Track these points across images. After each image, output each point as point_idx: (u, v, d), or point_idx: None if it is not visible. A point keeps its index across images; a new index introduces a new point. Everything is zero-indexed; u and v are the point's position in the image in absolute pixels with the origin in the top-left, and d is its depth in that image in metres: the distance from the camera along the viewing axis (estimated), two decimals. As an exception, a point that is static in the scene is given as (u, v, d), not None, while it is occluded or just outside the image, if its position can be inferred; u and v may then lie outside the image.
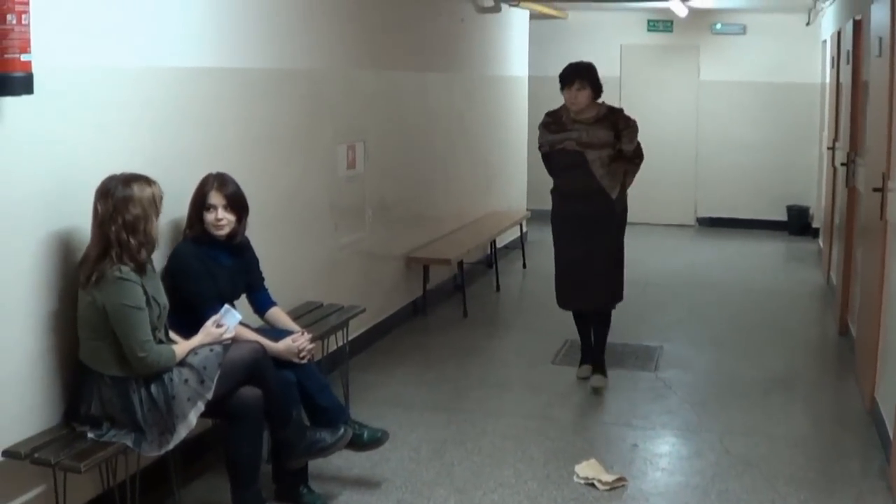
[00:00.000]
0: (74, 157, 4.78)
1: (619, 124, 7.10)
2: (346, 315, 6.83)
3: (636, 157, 7.25)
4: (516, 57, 12.92)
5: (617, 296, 7.47)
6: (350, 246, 7.91)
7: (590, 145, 7.02)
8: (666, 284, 11.16)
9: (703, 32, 14.90)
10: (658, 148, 14.88)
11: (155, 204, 4.70)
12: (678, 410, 6.91)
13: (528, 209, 12.85)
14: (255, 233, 5.90)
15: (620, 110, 7.25)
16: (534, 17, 13.59)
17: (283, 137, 6.84)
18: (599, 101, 7.17)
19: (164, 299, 4.82)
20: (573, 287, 7.32)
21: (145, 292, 4.63)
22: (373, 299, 8.30)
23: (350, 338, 7.03)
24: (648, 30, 15.08)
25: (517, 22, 12.83)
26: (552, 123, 7.21)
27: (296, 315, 6.59)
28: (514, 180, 12.97)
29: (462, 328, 9.13)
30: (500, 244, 11.42)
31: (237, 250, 5.49)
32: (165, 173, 5.02)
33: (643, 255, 12.83)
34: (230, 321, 5.08)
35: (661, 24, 14.99)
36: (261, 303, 5.76)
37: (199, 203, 5.29)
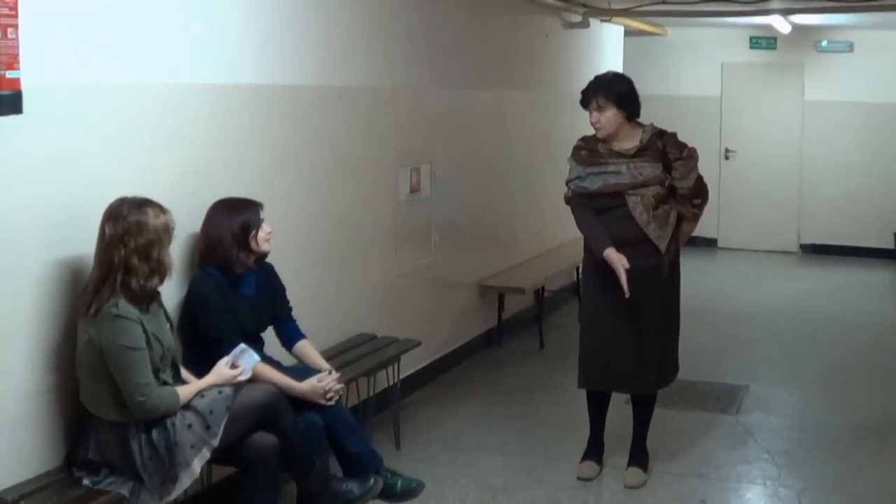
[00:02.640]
0: (85, 180, 4.44)
1: (670, 153, 5.72)
2: (399, 349, 6.43)
3: (695, 196, 5.84)
4: (608, 75, 12.29)
5: (667, 375, 6.06)
6: (413, 273, 7.50)
7: (632, 185, 5.65)
8: (760, 316, 10.49)
9: (808, 50, 14.19)
10: (760, 170, 14.48)
11: (168, 232, 4.36)
12: (756, 460, 6.35)
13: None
14: (306, 259, 5.55)
15: (673, 135, 5.80)
16: (630, 33, 13.08)
17: (339, 159, 6.46)
18: (643, 123, 5.84)
19: (168, 339, 4.45)
20: (606, 362, 5.84)
21: (145, 330, 4.26)
22: (438, 330, 7.90)
23: (409, 372, 6.62)
24: (751, 47, 14.39)
25: (610, 38, 12.33)
26: (584, 151, 5.83)
27: (343, 348, 6.22)
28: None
29: (537, 361, 8.64)
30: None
31: (263, 277, 5.11)
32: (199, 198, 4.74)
33: (738, 283, 12.31)
34: (247, 362, 4.68)
35: (765, 41, 14.30)
36: (288, 335, 5.38)
37: (243, 226, 4.90)
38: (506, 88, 9.22)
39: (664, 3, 10.44)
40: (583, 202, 5.85)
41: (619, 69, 12.54)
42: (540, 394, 7.64)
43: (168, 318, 4.56)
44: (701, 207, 5.91)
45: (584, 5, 10.76)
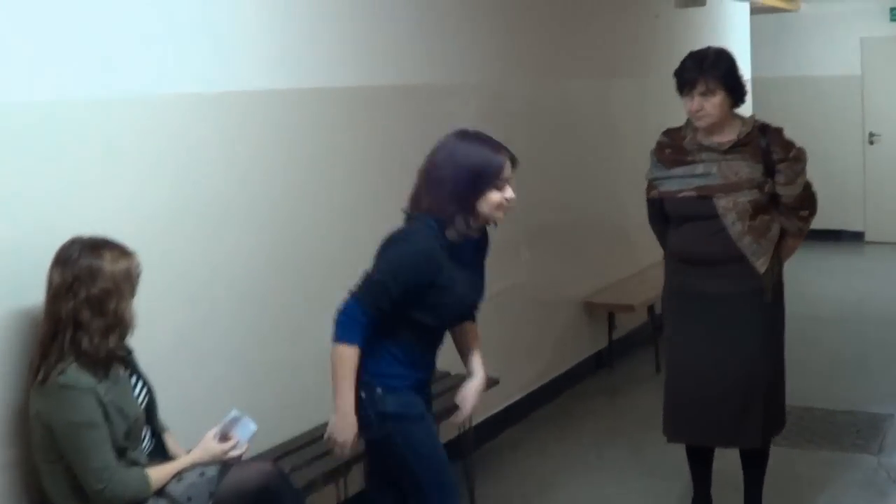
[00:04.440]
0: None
1: (774, 153, 4.70)
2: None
3: (802, 206, 4.80)
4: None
5: (772, 427, 4.94)
6: (499, 296, 6.54)
7: (723, 187, 4.67)
8: None
9: (958, 19, 12.84)
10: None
11: (131, 280, 3.51)
12: (901, 520, 5.28)
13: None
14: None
15: (778, 131, 4.77)
16: (757, 10, 11.93)
17: (394, 165, 5.57)
18: (742, 114, 4.84)
19: (135, 409, 3.60)
20: (696, 409, 4.85)
21: (101, 403, 3.42)
22: (535, 358, 6.99)
23: (495, 411, 5.71)
24: (892, 19, 13.05)
25: (734, 16, 11.18)
26: (669, 148, 4.86)
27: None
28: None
29: (651, 386, 7.55)
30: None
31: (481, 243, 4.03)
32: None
33: (889, 282, 10.95)
34: (242, 433, 3.78)
35: (908, 11, 13.03)
36: None
37: (484, 179, 3.75)
38: (610, 77, 8.20)
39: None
40: (654, 212, 4.99)
41: (745, 51, 11.43)
42: (649, 430, 6.59)
43: (142, 381, 3.73)
44: (808, 221, 4.86)
45: (700, -20, 9.68)
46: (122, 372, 3.62)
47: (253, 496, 3.68)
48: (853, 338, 8.50)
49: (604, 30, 8.10)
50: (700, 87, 4.61)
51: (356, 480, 4.98)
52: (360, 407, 3.75)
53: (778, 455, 6.04)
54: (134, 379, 3.71)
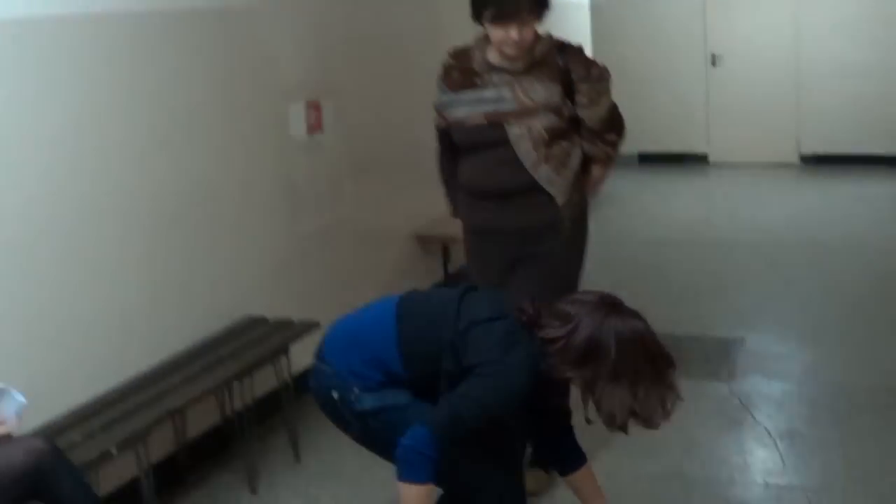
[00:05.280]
0: None
1: (573, 73, 4.21)
2: (287, 336, 5.01)
3: (608, 129, 4.35)
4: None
5: None
6: (321, 233, 6.04)
7: (516, 112, 4.17)
8: (757, 244, 8.85)
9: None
10: (752, 75, 12.83)
11: None
12: (755, 448, 4.93)
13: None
14: (170, 231, 4.26)
15: (578, 49, 4.30)
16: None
17: (197, 102, 5.01)
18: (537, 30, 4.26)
19: None
20: None
21: None
22: (364, 294, 6.44)
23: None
24: (733, -64, 12.82)
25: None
26: (456, 71, 4.37)
27: (220, 339, 4.90)
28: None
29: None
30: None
31: None
32: None
33: (732, 204, 10.72)
34: (7, 409, 3.28)
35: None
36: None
37: None
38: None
39: None
40: (445, 141, 4.51)
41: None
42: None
43: None
44: (616, 145, 4.39)
45: None
46: None
47: (22, 478, 3.17)
48: (696, 262, 8.23)
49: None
50: (520, 19, 4.08)
51: (157, 448, 4.51)
52: (334, 406, 3.37)
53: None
54: None
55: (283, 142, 5.69)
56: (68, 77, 4.25)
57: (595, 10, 11.61)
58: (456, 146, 4.40)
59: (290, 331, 5.07)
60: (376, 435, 3.34)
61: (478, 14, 4.17)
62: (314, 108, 5.91)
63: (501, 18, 4.08)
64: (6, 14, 3.97)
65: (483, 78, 4.23)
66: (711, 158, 13.03)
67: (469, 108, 4.24)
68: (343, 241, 6.25)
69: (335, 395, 3.33)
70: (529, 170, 4.17)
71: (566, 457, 3.52)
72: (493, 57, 4.22)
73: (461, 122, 4.29)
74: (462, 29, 7.62)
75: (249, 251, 5.41)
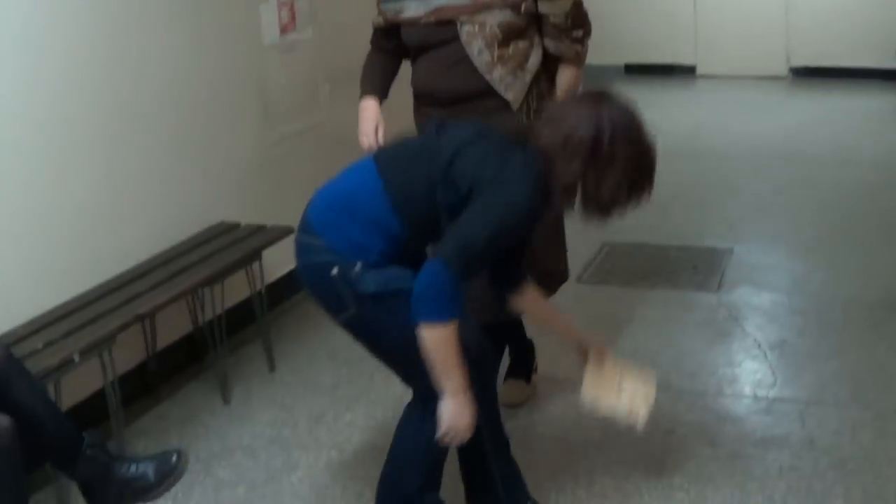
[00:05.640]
0: None
1: None
2: (259, 241, 4.83)
3: (574, 26, 3.94)
4: None
5: (548, 280, 3.98)
6: (296, 137, 5.82)
7: (467, 7, 3.80)
8: (746, 157, 8.59)
9: None
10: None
11: None
12: (744, 360, 4.78)
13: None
14: (139, 136, 4.05)
15: None
16: None
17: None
18: None
19: None
20: None
21: None
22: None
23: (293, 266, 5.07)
24: None
25: None
26: None
27: (191, 245, 4.72)
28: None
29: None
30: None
31: None
32: None
33: (720, 115, 10.47)
34: None
35: None
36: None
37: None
38: None
39: None
40: (380, 42, 4.20)
41: None
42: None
43: None
44: (584, 42, 3.98)
45: None
46: None
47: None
48: (685, 173, 8.00)
49: None
50: None
51: (125, 358, 4.34)
52: (330, 284, 3.05)
53: (608, 294, 5.59)
54: None
55: (254, 42, 5.44)
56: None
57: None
58: (402, 48, 4.10)
59: (263, 236, 4.88)
60: (371, 321, 3.09)
61: None
62: (287, 6, 5.66)
63: None
64: None
65: None
66: (699, 70, 12.75)
67: (419, 4, 3.89)
68: (319, 145, 6.02)
69: (335, 271, 3.02)
70: (483, 72, 3.85)
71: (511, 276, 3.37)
72: None
73: (407, 20, 3.96)
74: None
75: (222, 156, 5.20)
